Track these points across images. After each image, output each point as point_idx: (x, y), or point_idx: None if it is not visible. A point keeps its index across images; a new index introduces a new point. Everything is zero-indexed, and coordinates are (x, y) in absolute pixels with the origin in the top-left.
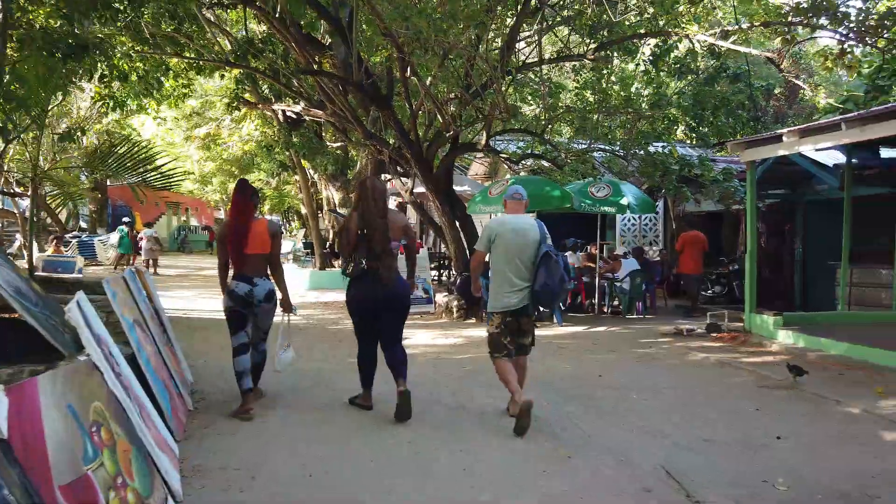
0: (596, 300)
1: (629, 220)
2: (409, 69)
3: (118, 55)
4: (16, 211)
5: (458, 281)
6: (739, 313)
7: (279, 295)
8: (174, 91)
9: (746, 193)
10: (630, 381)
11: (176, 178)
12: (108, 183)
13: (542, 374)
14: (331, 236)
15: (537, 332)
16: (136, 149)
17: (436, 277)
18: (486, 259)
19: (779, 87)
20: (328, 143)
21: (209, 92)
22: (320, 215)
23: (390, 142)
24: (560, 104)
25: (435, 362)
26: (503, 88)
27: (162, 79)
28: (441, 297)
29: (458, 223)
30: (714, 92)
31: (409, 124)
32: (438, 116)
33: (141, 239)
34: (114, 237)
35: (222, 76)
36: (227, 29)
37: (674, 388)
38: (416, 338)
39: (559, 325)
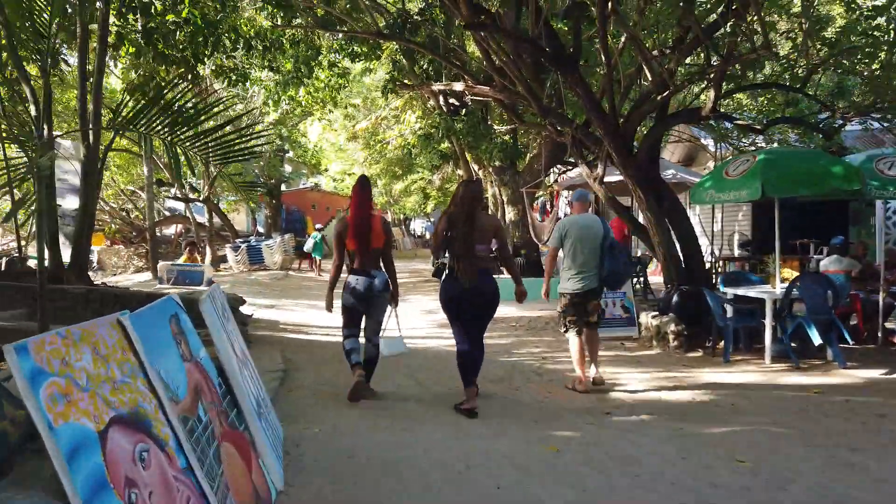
0: (880, 325)
1: (894, 211)
2: (609, 3)
3: (244, 24)
4: (189, 216)
5: (675, 297)
6: None
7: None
8: (329, 81)
9: None
10: None
11: (245, 145)
12: (283, 189)
13: None
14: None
15: (818, 380)
16: (199, 104)
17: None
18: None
19: None
20: (495, 128)
21: (370, 88)
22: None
23: (572, 118)
24: (833, 38)
25: (671, 439)
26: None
27: (312, 66)
28: (649, 318)
29: (666, 219)
30: None
31: (601, 88)
32: (646, 72)
33: None
34: (308, 243)
35: (378, 56)
36: (382, 3)
37: None
38: (625, 381)
39: (842, 367)
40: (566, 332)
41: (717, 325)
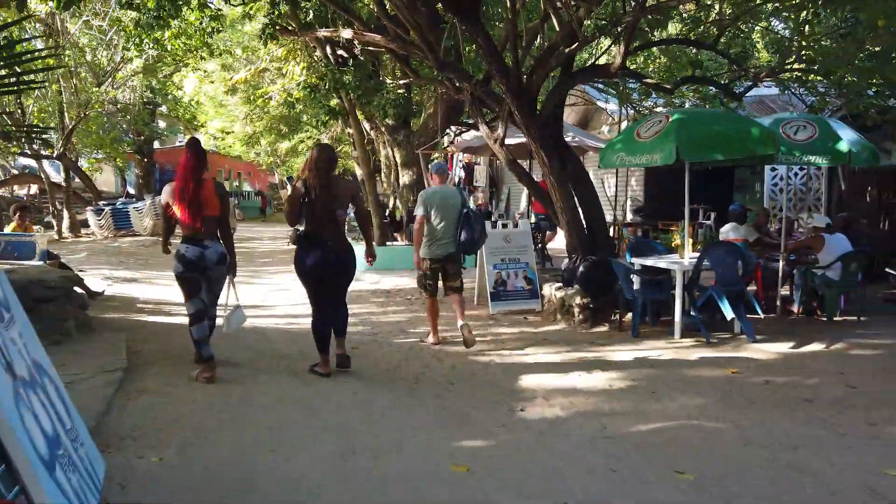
0: (779, 294)
1: (781, 178)
2: None
3: None
4: (42, 175)
5: (581, 267)
6: None
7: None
8: (200, 23)
9: None
10: None
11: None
12: (157, 146)
13: None
14: (391, 203)
15: (732, 357)
16: None
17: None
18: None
19: None
20: (388, 82)
21: (251, 37)
22: (378, 179)
23: (472, 74)
24: None
25: (594, 444)
26: None
27: (179, 4)
28: (553, 291)
29: (570, 184)
30: None
31: (503, 39)
32: (553, 23)
33: None
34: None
35: None
36: None
37: None
38: (533, 364)
39: (751, 340)
40: (427, 296)
41: (625, 297)
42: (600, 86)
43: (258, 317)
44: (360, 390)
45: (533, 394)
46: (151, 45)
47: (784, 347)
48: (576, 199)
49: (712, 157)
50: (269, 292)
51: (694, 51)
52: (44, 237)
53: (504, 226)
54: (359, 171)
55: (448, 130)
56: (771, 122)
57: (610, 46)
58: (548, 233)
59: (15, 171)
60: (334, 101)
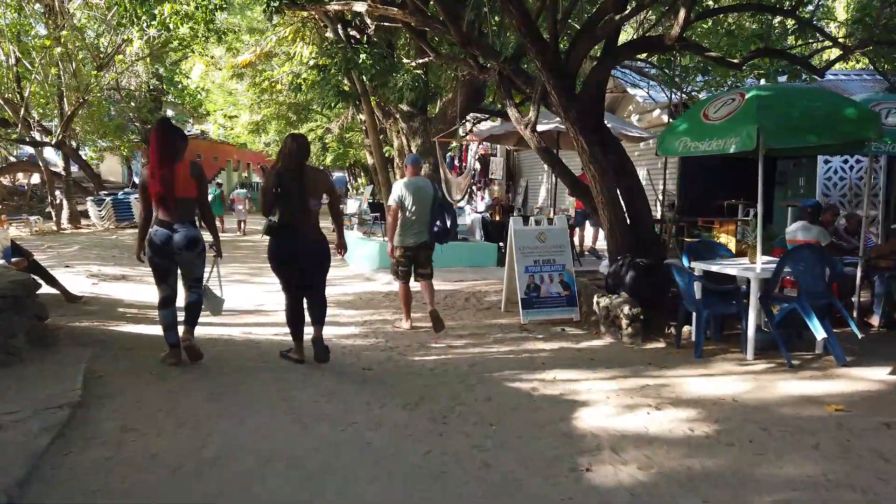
0: (855, 304)
1: (834, 170)
2: None
3: None
4: (41, 164)
5: (628, 271)
6: None
7: (207, 240)
8: (206, 2)
9: None
10: None
11: None
12: None
13: None
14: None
15: (824, 386)
16: None
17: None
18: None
19: None
20: (405, 62)
21: (261, 21)
22: (391, 170)
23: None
24: None
25: None
26: None
27: None
28: (595, 298)
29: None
30: None
31: (539, 8)
32: None
33: (233, 200)
34: None
35: None
36: None
37: None
38: (587, 395)
39: (841, 363)
40: (400, 282)
41: (685, 309)
42: (642, 66)
43: (255, 325)
44: (375, 439)
45: (597, 442)
46: (148, 21)
47: (882, 373)
48: (617, 189)
49: (805, 141)
50: (266, 293)
51: (757, 23)
52: (6, 232)
53: (538, 222)
54: (370, 160)
55: (465, 119)
56: (862, 102)
57: (660, 19)
58: (576, 229)
59: (13, 159)
60: (345, 84)
